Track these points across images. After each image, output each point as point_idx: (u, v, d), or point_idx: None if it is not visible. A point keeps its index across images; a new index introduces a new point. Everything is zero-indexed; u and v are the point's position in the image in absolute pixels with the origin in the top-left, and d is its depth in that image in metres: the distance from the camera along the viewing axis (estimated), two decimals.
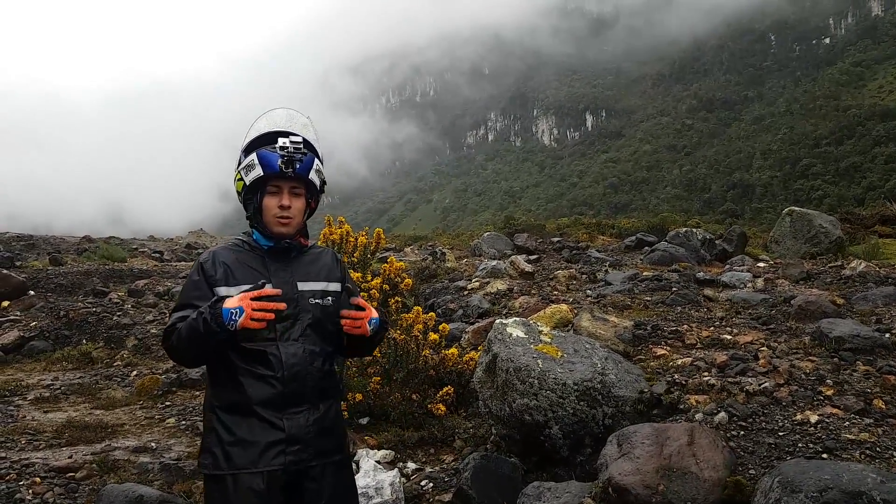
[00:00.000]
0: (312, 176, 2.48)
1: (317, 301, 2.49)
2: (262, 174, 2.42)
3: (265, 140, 2.46)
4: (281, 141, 2.42)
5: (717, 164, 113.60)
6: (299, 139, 2.45)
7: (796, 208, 13.08)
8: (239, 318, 2.23)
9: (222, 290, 2.39)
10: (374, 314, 2.51)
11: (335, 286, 2.58)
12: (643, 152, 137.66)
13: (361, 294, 2.72)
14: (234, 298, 2.27)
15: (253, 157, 2.44)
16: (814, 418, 3.63)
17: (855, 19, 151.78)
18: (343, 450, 2.57)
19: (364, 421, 5.48)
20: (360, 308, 2.43)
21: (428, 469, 4.73)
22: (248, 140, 2.50)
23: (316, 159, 2.50)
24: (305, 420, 2.40)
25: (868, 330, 4.85)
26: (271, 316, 2.26)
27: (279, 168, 2.39)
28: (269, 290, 2.29)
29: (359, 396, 5.39)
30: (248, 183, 2.45)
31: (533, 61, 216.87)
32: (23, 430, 5.70)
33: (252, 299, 2.25)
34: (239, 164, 2.49)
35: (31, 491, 4.36)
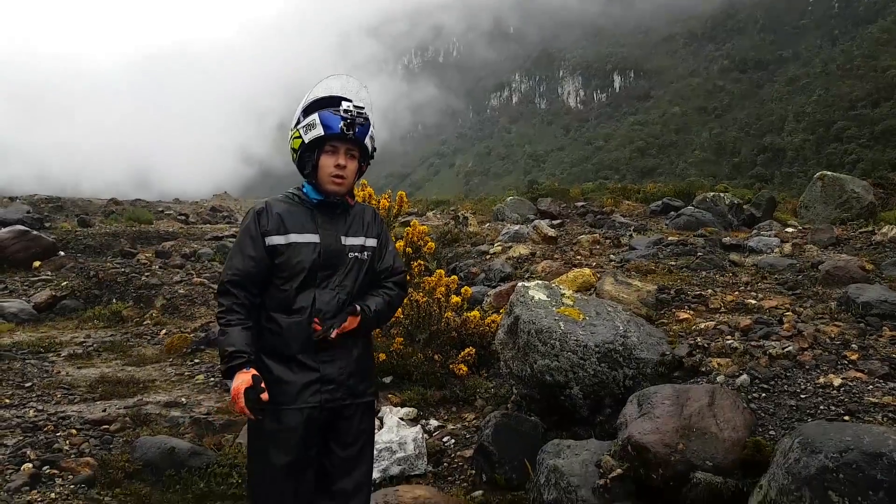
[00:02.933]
0: (367, 141, 2.67)
1: (355, 254, 2.71)
2: (322, 134, 2.59)
3: (327, 103, 2.64)
4: (345, 105, 2.60)
5: (748, 126, 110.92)
6: (362, 105, 2.63)
7: (828, 173, 12.80)
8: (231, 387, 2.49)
9: (274, 239, 2.62)
10: (352, 321, 2.64)
11: (372, 241, 2.79)
12: (672, 115, 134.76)
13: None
14: (241, 381, 2.45)
15: (315, 117, 2.60)
16: (837, 382, 3.62)
17: None
18: (372, 392, 2.81)
19: (387, 380, 5.57)
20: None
21: (450, 426, 4.82)
22: (307, 101, 2.67)
23: (371, 126, 2.67)
24: (340, 363, 2.63)
25: None
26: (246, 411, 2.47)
27: (340, 130, 2.57)
28: (265, 396, 2.47)
29: (382, 356, 5.47)
30: (306, 141, 2.62)
31: (558, 20, 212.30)
32: (58, 384, 5.90)
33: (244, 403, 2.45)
34: (297, 122, 2.66)
35: (67, 442, 4.54)
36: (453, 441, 4.59)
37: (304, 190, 2.73)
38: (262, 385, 2.46)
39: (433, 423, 4.89)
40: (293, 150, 2.68)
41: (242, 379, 2.45)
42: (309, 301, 2.60)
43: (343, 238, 2.69)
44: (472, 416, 4.95)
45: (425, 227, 7.00)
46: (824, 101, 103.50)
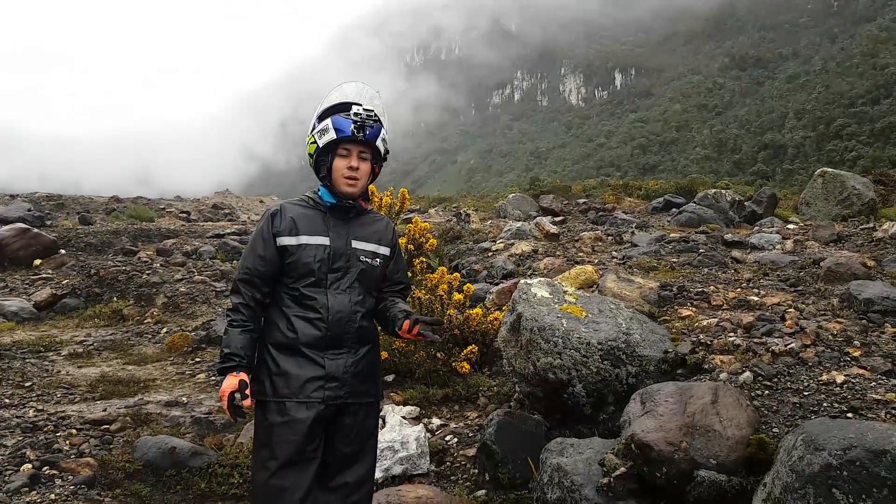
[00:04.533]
0: (378, 143, 2.77)
1: (366, 259, 2.80)
2: (335, 137, 2.71)
3: (339, 108, 2.75)
4: (354, 108, 2.72)
5: (749, 123, 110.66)
6: (371, 109, 2.75)
7: (829, 169, 12.78)
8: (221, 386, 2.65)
9: (285, 240, 2.73)
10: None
11: (385, 250, 2.88)
12: (673, 112, 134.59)
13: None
14: (228, 384, 2.59)
15: (328, 122, 2.73)
16: (840, 378, 3.60)
17: None
18: (376, 394, 2.86)
19: (390, 378, 5.56)
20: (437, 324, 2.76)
21: (452, 425, 4.80)
22: (322, 108, 2.78)
23: (382, 129, 2.77)
24: (344, 362, 2.70)
25: None
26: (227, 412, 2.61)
27: (351, 133, 2.69)
28: (247, 402, 2.58)
29: (384, 354, 5.45)
30: (321, 146, 2.74)
31: (559, 19, 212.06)
32: (58, 384, 5.88)
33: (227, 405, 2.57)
34: (313, 129, 2.79)
35: (67, 442, 4.52)
36: (456, 440, 4.58)
37: (320, 193, 2.84)
38: (247, 392, 2.57)
39: (436, 421, 4.87)
40: (310, 155, 2.80)
41: (230, 382, 2.58)
42: (321, 301, 2.69)
43: (353, 242, 2.78)
44: (474, 414, 4.93)
45: (427, 223, 6.99)
46: (824, 99, 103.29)
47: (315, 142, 2.75)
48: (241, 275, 2.74)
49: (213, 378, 6.16)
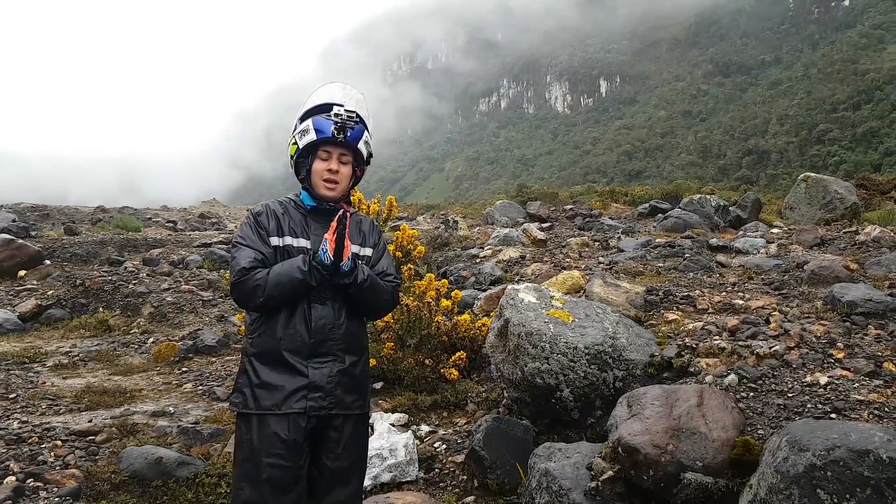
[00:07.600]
0: (361, 146, 2.70)
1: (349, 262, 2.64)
2: (315, 139, 2.65)
3: (321, 109, 2.69)
4: (335, 109, 2.66)
5: (733, 129, 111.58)
6: (353, 109, 2.68)
7: (812, 174, 12.96)
8: (326, 252, 2.51)
9: (273, 241, 2.65)
10: (345, 255, 2.54)
11: (368, 251, 2.79)
12: (658, 118, 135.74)
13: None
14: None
15: (308, 122, 2.67)
16: (823, 380, 3.64)
17: None
18: (364, 405, 2.74)
19: (378, 385, 5.55)
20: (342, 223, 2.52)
21: (441, 431, 4.80)
22: (304, 109, 2.72)
23: (365, 131, 2.71)
24: (329, 371, 2.60)
25: (881, 294, 4.83)
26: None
27: (332, 134, 2.62)
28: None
29: (372, 361, 5.45)
30: (301, 147, 2.68)
31: (544, 27, 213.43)
32: (43, 395, 5.82)
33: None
34: (294, 129, 2.73)
35: (52, 454, 4.47)
36: (445, 446, 4.58)
37: (301, 196, 2.77)
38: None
39: (424, 428, 4.87)
40: (291, 156, 2.74)
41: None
42: (303, 307, 2.59)
43: None
44: (463, 420, 4.93)
45: (415, 231, 6.99)
46: (806, 105, 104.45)
47: (296, 143, 2.69)
48: (244, 264, 2.56)
49: (200, 387, 6.13)
